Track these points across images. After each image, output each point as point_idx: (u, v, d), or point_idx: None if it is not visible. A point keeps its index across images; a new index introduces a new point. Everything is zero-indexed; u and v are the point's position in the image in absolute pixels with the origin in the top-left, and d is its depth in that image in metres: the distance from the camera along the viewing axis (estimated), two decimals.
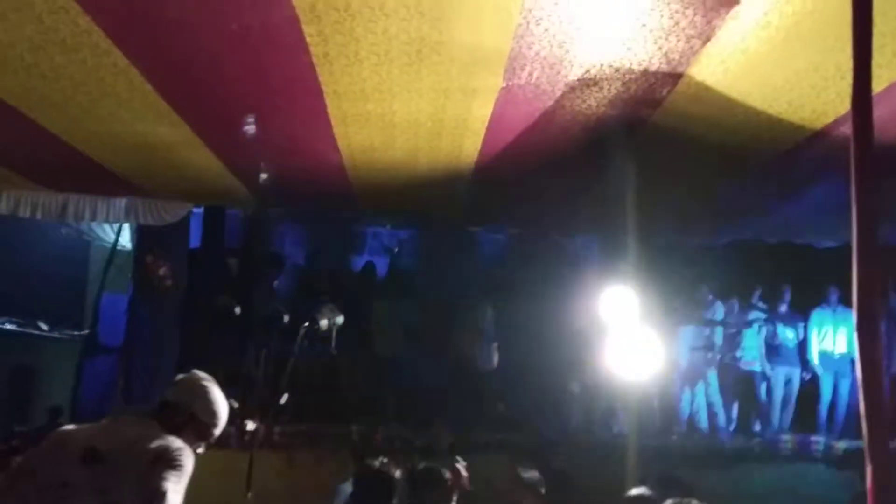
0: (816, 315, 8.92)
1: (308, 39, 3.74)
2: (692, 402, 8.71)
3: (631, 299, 5.24)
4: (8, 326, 8.86)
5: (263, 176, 6.03)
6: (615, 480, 4.78)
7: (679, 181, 5.91)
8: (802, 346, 8.90)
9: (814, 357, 8.81)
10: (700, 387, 8.70)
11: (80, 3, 3.44)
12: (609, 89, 4.28)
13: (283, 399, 7.00)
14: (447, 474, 4.06)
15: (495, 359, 8.69)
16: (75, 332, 9.38)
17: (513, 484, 4.71)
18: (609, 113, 4.60)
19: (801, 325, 8.95)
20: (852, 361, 8.15)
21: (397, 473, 3.22)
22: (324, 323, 6.66)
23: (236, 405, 6.87)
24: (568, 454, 7.54)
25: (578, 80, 4.17)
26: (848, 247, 2.67)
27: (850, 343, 8.50)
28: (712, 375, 8.65)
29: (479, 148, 5.37)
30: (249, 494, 5.60)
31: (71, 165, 6.05)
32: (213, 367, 7.91)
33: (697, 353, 8.71)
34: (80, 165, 5.96)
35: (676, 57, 3.85)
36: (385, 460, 3.32)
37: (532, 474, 4.82)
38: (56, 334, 9.35)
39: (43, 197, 7.11)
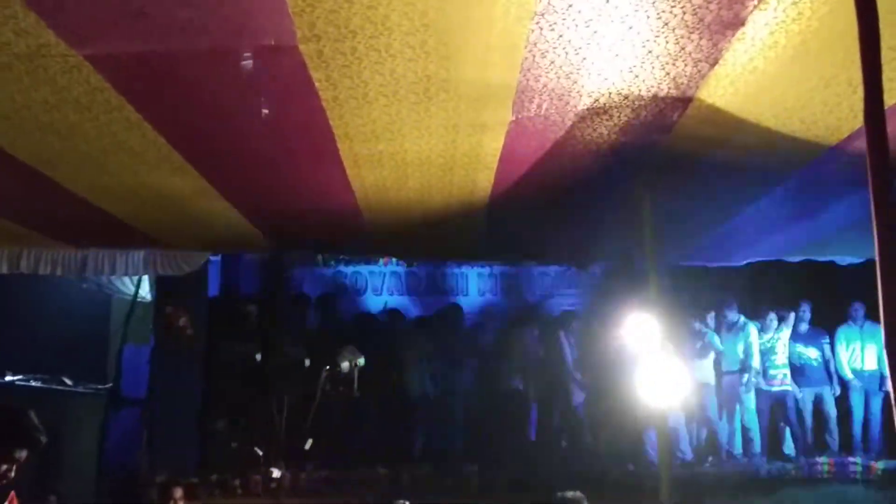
0: (843, 332, 8.80)
1: (317, 85, 3.77)
2: (728, 428, 8.58)
3: (653, 326, 5.19)
4: (33, 384, 8.88)
5: None
6: None
7: (695, 204, 5.87)
8: (828, 364, 8.77)
9: (846, 374, 8.68)
10: (736, 411, 8.57)
11: (92, 62, 3.49)
12: (619, 117, 4.28)
13: (308, 445, 6.98)
14: None
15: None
16: (99, 386, 9.39)
17: None
18: (620, 140, 4.58)
19: (825, 343, 8.83)
20: (882, 378, 8.03)
21: None
22: (345, 365, 6.65)
23: (261, 453, 6.87)
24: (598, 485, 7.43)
25: (588, 109, 4.17)
26: (872, 262, 2.63)
27: (879, 359, 8.37)
28: (748, 398, 8.52)
29: (492, 182, 5.37)
30: None
31: (89, 221, 6.11)
32: (236, 415, 7.97)
33: (732, 376, 8.59)
34: (98, 220, 6.02)
35: (685, 81, 3.85)
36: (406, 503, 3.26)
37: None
38: (80, 389, 9.36)
39: (62, 253, 7.18)
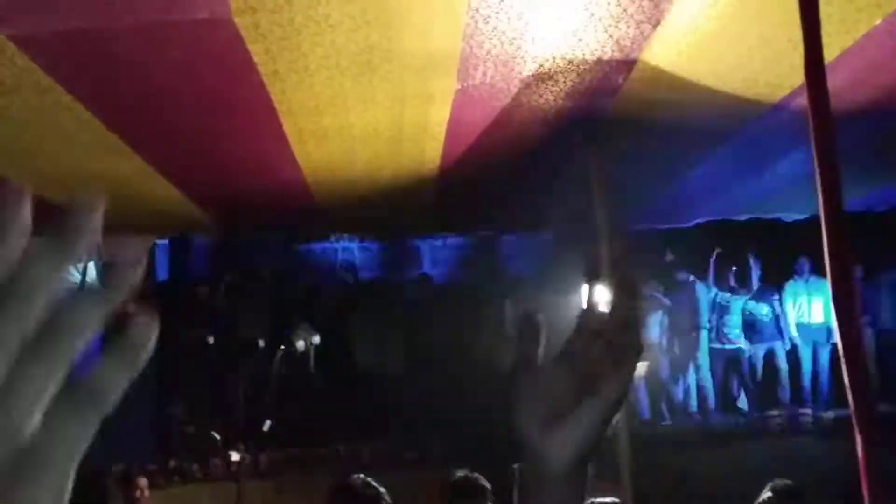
0: (790, 287, 8.99)
1: (255, 59, 3.67)
2: (682, 386, 8.74)
3: (606, 292, 5.22)
4: None
5: None
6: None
7: (643, 167, 5.89)
8: (778, 319, 8.96)
9: (791, 330, 8.88)
10: (690, 370, 8.72)
11: (16, 43, 3.34)
12: (564, 82, 4.26)
13: (266, 426, 6.91)
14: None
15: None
16: None
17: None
18: (567, 106, 4.58)
19: (774, 299, 9.01)
20: (830, 331, 8.24)
21: (380, 489, 3.12)
22: (300, 344, 6.59)
23: (219, 437, 6.79)
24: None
25: (533, 75, 4.14)
26: (816, 218, 2.67)
27: (826, 313, 8.58)
28: (703, 358, 8.67)
29: (440, 153, 5.33)
30: None
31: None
32: (192, 400, 7.86)
33: (685, 336, 8.72)
34: (36, 208, 5.81)
35: (628, 44, 3.84)
36: (362, 476, 3.22)
37: None
38: None
39: None
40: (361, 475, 3.15)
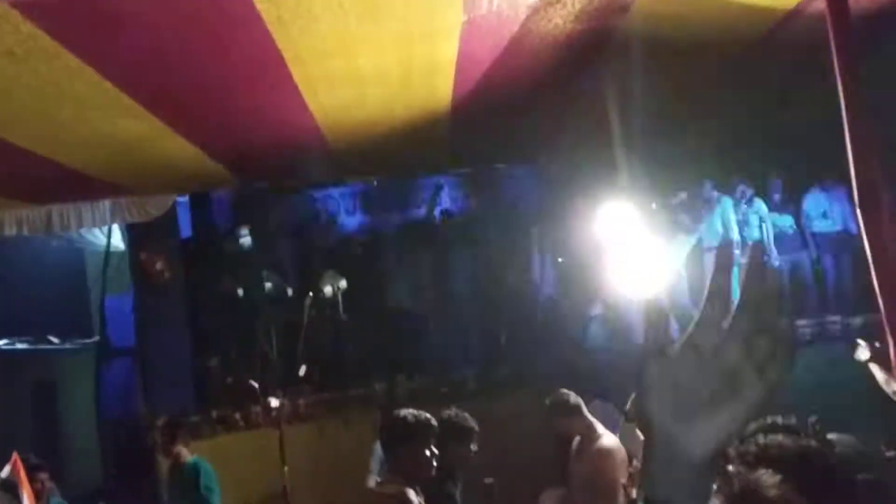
0: (811, 197, 8.92)
1: (259, 7, 3.62)
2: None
3: (629, 213, 5.21)
4: (19, 346, 8.85)
5: None
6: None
7: (660, 86, 5.81)
8: (802, 230, 8.92)
9: (813, 239, 8.85)
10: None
11: (20, 10, 3.32)
12: (573, 4, 4.16)
13: (302, 371, 7.06)
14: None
15: None
16: (87, 340, 9.38)
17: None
18: (577, 28, 4.48)
19: (796, 209, 8.96)
20: (851, 237, 8.22)
21: (429, 417, 3.23)
22: (328, 289, 6.69)
23: (256, 385, 6.95)
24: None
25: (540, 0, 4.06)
26: (836, 125, 2.63)
27: (846, 220, 8.55)
28: (734, 271, 8.66)
29: (451, 88, 5.27)
30: (286, 469, 5.69)
31: (47, 176, 5.96)
32: (227, 352, 8.02)
33: (712, 252, 8.68)
34: (57, 174, 5.87)
35: None
36: (410, 411, 3.32)
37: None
38: (68, 346, 9.35)
39: (26, 212, 7.03)
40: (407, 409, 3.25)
